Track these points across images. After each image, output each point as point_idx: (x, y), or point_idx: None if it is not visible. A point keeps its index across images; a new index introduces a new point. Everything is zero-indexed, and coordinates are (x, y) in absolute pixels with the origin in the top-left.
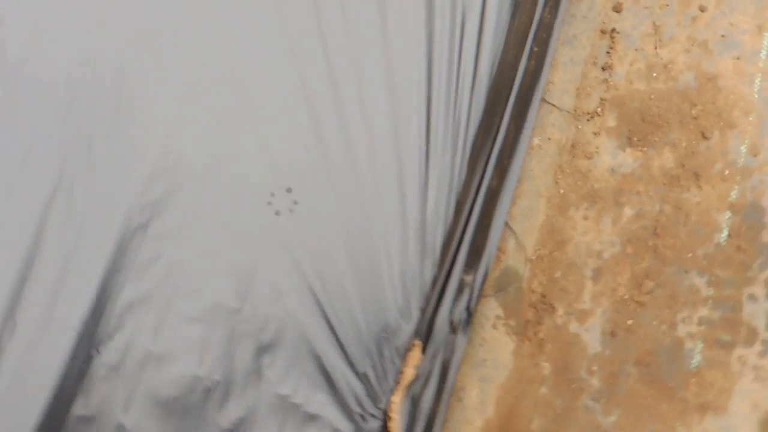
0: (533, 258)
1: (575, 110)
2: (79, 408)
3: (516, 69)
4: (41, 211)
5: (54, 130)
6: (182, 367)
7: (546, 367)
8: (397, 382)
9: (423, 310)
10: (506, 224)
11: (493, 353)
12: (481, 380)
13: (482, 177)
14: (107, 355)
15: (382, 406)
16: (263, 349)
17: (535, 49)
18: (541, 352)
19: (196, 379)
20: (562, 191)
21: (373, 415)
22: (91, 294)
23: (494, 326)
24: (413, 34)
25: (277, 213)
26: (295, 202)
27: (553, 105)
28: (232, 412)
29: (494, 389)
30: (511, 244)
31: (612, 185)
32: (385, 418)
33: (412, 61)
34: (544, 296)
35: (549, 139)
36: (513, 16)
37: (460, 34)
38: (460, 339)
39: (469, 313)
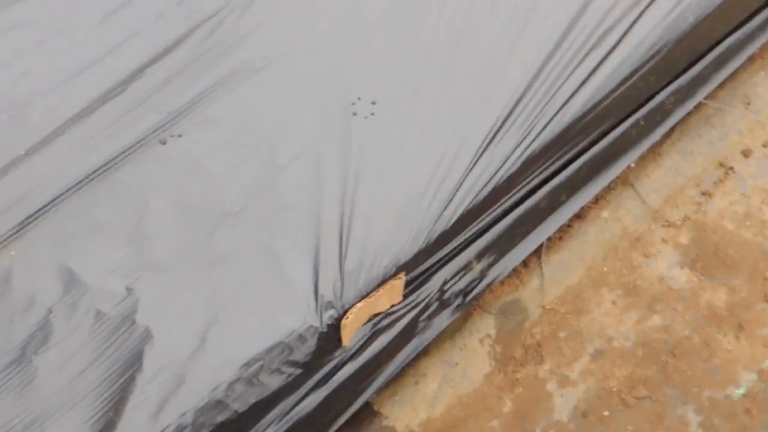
0: (547, 307)
1: (656, 212)
2: None
3: (613, 124)
4: None
5: None
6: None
7: (507, 405)
8: (369, 295)
9: (420, 256)
10: (540, 264)
11: (467, 363)
12: (444, 379)
13: (532, 191)
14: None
15: (346, 304)
16: (282, 207)
17: (642, 123)
18: (510, 390)
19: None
20: (605, 269)
21: (333, 306)
22: None
23: (481, 341)
24: (559, 20)
25: (355, 114)
26: (373, 114)
27: (639, 195)
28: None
29: (451, 394)
30: (534, 283)
31: (654, 290)
32: (342, 316)
33: (543, 38)
34: (539, 345)
35: (618, 220)
36: (630, 77)
37: (585, 53)
38: (443, 316)
39: (463, 300)
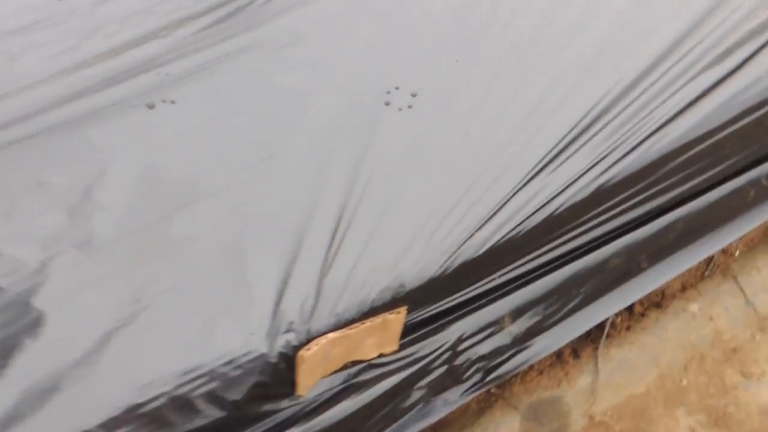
0: (597, 419)
1: (765, 319)
2: None
3: (724, 174)
4: None
5: None
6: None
7: None
8: (347, 327)
9: (432, 288)
10: (595, 356)
11: None
12: None
13: (600, 241)
14: None
15: (313, 330)
16: (266, 196)
17: (765, 183)
18: None
19: None
20: (684, 382)
21: (294, 329)
22: None
23: None
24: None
25: (387, 103)
26: (410, 107)
27: (743, 292)
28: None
29: None
30: (583, 381)
31: (752, 425)
32: (302, 344)
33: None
34: None
35: (711, 319)
36: (754, 110)
37: (699, 69)
38: (451, 394)
39: (483, 379)
